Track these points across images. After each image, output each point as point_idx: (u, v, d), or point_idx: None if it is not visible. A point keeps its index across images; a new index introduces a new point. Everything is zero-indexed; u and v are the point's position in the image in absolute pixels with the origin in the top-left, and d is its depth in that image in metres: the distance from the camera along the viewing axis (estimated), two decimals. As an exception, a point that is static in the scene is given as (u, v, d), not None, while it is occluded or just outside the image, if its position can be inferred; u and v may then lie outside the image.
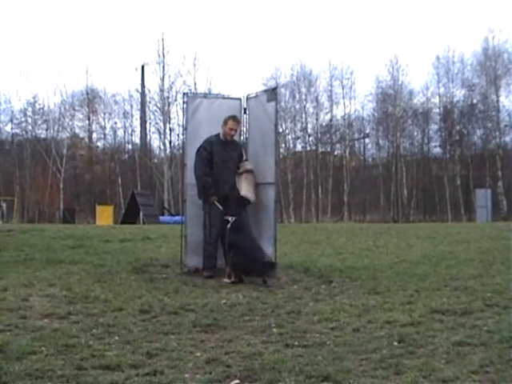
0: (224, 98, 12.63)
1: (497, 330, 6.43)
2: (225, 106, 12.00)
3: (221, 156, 11.30)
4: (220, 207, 11.03)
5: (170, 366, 5.27)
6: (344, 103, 65.62)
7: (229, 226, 10.81)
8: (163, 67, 63.71)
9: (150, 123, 67.61)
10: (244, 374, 5.06)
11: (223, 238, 10.94)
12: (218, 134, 11.40)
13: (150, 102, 66.47)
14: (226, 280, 10.54)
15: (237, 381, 4.92)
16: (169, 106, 63.92)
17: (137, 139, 69.31)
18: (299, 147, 67.14)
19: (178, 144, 59.05)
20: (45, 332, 6.45)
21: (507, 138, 60.87)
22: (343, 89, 65.48)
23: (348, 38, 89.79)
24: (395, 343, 6.06)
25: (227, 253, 10.90)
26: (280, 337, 6.46)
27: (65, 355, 5.58)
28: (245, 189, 11.22)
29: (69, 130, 67.09)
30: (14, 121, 65.67)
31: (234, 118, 11.41)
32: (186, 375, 5.05)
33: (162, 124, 64.51)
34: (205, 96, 12.71)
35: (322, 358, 5.52)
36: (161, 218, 46.06)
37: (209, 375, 5.05)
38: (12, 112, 64.93)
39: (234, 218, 10.85)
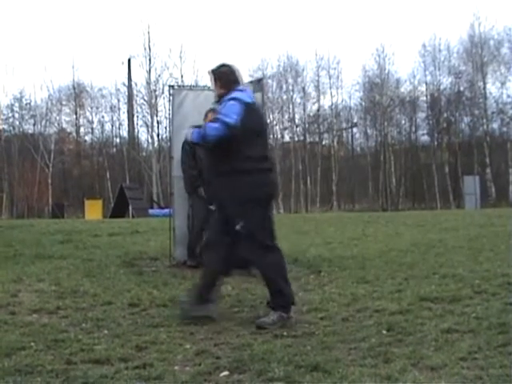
0: (210, 89, 12.51)
1: (485, 317, 6.45)
2: (211, 97, 11.78)
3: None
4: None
5: (160, 359, 5.27)
6: (331, 93, 65.84)
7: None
8: (149, 60, 63.57)
9: (137, 116, 67.46)
10: (233, 366, 5.06)
11: (203, 228, 10.87)
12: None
13: (136, 96, 66.29)
14: None
15: (226, 372, 4.93)
16: (156, 98, 63.84)
17: (124, 133, 69.22)
18: (287, 138, 67.39)
19: (166, 137, 58.76)
20: (34, 327, 6.44)
21: (494, 125, 61.17)
22: (330, 79, 65.65)
23: (334, 27, 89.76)
24: (384, 332, 6.07)
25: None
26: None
27: (54, 350, 5.58)
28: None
29: (56, 124, 67.06)
30: (1, 116, 65.45)
31: (214, 111, 11.36)
32: (176, 367, 5.06)
33: (149, 117, 64.41)
34: (190, 88, 12.65)
35: (311, 348, 5.53)
36: (150, 211, 46.05)
37: (198, 367, 5.06)
38: (-2, 108, 64.80)
39: None
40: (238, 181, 6.91)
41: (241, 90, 7.14)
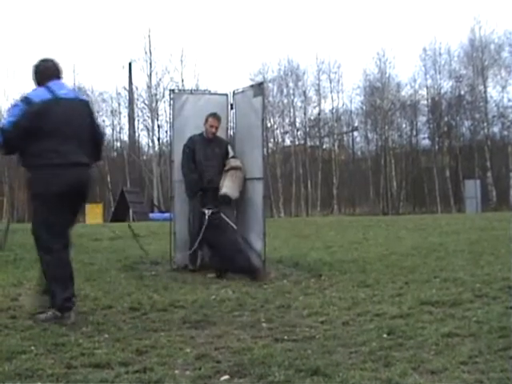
0: (210, 93, 12.60)
1: (486, 321, 6.45)
2: (211, 102, 11.96)
3: (203, 153, 11.28)
4: None
5: (160, 363, 5.26)
6: (332, 97, 65.84)
7: (206, 219, 10.79)
8: (150, 64, 63.60)
9: (138, 120, 67.55)
10: (234, 370, 5.06)
11: (200, 231, 10.88)
12: (202, 133, 11.40)
13: (137, 100, 66.36)
14: (210, 275, 10.60)
15: (227, 376, 4.92)
16: (157, 102, 63.82)
17: (125, 137, 69.36)
18: (288, 142, 67.45)
19: (167, 141, 58.58)
20: (34, 331, 6.43)
21: (495, 129, 61.26)
22: (331, 82, 65.64)
23: (335, 31, 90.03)
24: (384, 335, 6.06)
25: (203, 248, 10.97)
26: (269, 331, 6.46)
27: (54, 354, 5.57)
28: (226, 186, 11.15)
29: (57, 128, 66.81)
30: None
31: (214, 116, 11.38)
32: (176, 371, 5.05)
33: (150, 121, 64.37)
34: (191, 92, 12.66)
35: (312, 352, 5.52)
36: (151, 215, 46.03)
37: (198, 371, 5.04)
38: (-1, 111, 64.75)
39: (210, 211, 10.81)
40: (31, 176, 7.18)
41: (45, 86, 7.16)
